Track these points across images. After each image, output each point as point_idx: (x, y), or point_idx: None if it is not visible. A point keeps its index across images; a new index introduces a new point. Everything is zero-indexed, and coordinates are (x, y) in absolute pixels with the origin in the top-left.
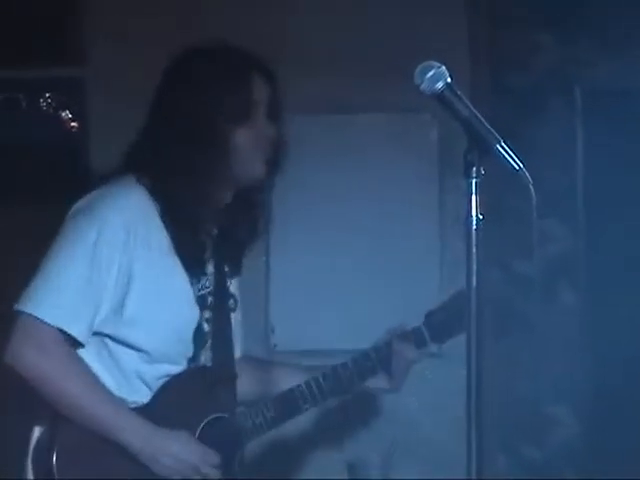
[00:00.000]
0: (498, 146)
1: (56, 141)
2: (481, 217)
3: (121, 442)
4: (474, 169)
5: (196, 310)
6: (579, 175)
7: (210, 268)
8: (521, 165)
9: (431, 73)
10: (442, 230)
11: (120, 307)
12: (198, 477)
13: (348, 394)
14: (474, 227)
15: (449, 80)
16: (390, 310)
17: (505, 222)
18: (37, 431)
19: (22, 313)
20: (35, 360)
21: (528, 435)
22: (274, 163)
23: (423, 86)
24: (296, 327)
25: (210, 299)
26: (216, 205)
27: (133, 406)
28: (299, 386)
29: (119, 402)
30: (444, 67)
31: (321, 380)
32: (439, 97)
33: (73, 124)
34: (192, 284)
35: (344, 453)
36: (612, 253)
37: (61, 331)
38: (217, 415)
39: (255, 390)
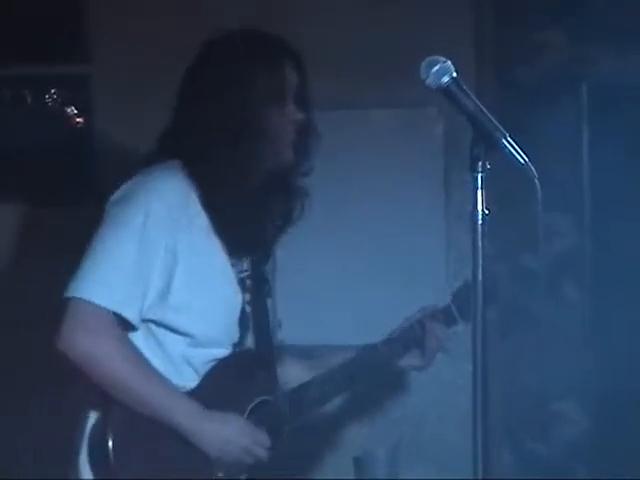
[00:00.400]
0: (504, 140)
1: (61, 137)
2: (487, 212)
3: (173, 425)
4: (480, 163)
5: (239, 292)
6: (585, 170)
7: (248, 255)
8: (527, 159)
9: (437, 67)
10: (448, 225)
11: (166, 292)
12: (249, 459)
13: (385, 371)
14: (480, 221)
15: (455, 74)
16: (396, 305)
17: (511, 217)
18: (92, 416)
19: (72, 299)
20: (87, 344)
21: (534, 431)
22: (304, 150)
23: (429, 81)
24: (303, 322)
25: (249, 282)
26: (250, 188)
27: (182, 391)
28: (340, 366)
29: (170, 385)
30: (450, 62)
31: (361, 358)
32: (445, 91)
33: (78, 120)
34: (233, 266)
35: (352, 448)
36: (618, 248)
37: (115, 314)
38: (262, 398)
39: (297, 374)
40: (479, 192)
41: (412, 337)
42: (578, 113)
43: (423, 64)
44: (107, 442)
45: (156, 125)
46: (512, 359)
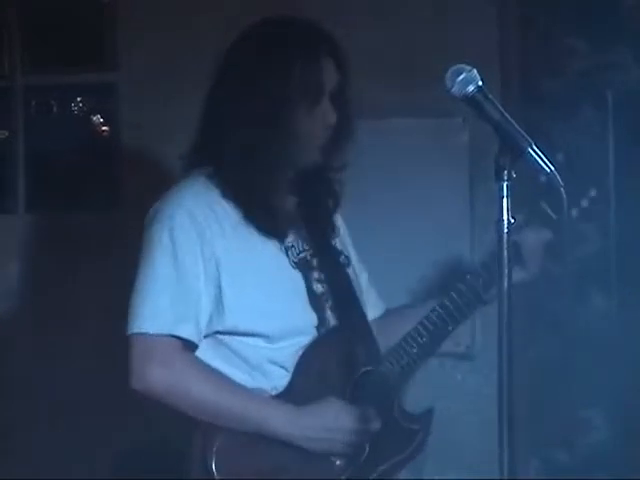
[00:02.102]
0: (530, 149)
1: (87, 145)
2: (512, 220)
3: (269, 433)
4: (505, 172)
5: (296, 274)
6: (610, 178)
7: (303, 234)
8: (552, 168)
9: (462, 76)
10: (473, 234)
11: (219, 298)
12: (358, 438)
13: (486, 301)
14: (505, 230)
15: (480, 83)
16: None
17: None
18: (195, 439)
19: (130, 337)
20: (159, 375)
21: (561, 439)
22: (337, 151)
23: (454, 90)
24: None
25: (314, 260)
26: (281, 180)
27: (274, 392)
28: (433, 311)
29: (254, 393)
30: (475, 70)
31: (455, 296)
32: (470, 100)
33: (104, 128)
34: (283, 250)
35: None
36: None
37: (172, 337)
38: (364, 370)
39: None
40: (504, 201)
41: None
42: (603, 121)
43: (448, 73)
44: (211, 463)
45: (182, 133)
46: (538, 367)
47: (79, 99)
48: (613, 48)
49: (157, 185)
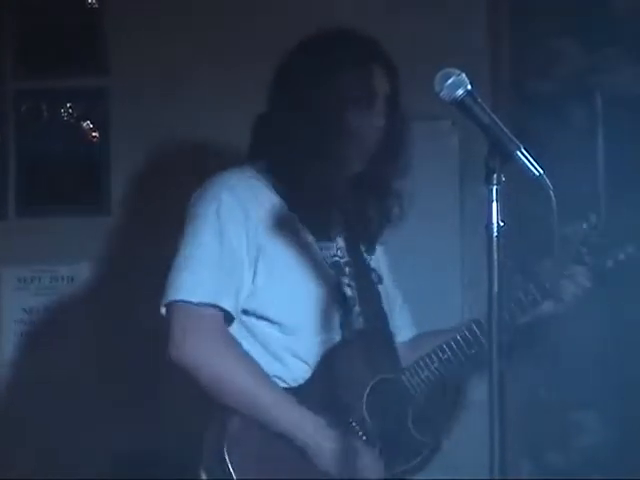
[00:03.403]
0: (518, 152)
1: (77, 150)
2: (502, 224)
3: (290, 436)
4: (495, 176)
5: (329, 273)
6: (600, 181)
7: (340, 242)
8: (541, 171)
9: (451, 80)
10: (463, 237)
11: (254, 279)
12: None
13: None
14: (495, 234)
15: (469, 87)
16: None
17: (526, 229)
18: (210, 429)
19: (170, 304)
20: (200, 348)
21: (553, 441)
22: (393, 157)
23: (443, 93)
24: None
25: (348, 269)
26: (332, 181)
27: (294, 384)
28: (461, 331)
29: (287, 396)
30: (464, 74)
31: (484, 322)
32: (459, 104)
33: (94, 134)
34: (322, 250)
35: None
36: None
37: (214, 307)
38: (382, 377)
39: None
40: (494, 204)
41: (538, 293)
42: (593, 124)
43: (437, 77)
44: (224, 454)
45: (173, 137)
46: (531, 369)
47: (69, 104)
48: (603, 50)
49: (147, 190)
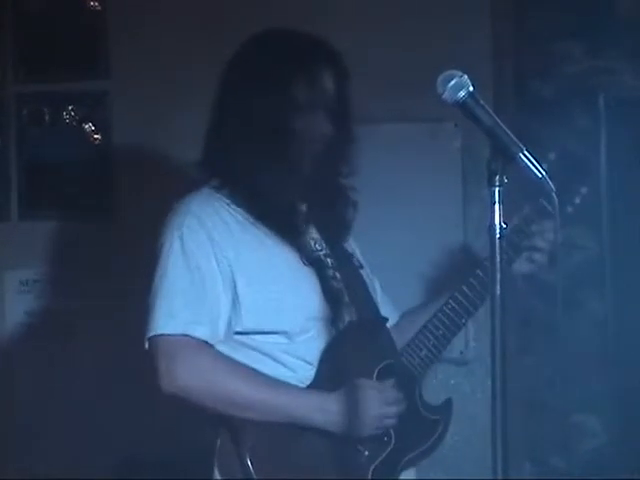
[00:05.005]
0: (521, 154)
1: (79, 153)
2: (504, 225)
3: (301, 421)
4: (497, 178)
5: (310, 271)
6: (603, 183)
7: (314, 233)
8: (544, 173)
9: (453, 82)
10: (466, 239)
11: (236, 299)
12: (394, 408)
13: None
14: (497, 236)
15: (471, 89)
16: None
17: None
18: (220, 440)
19: (149, 340)
20: (186, 373)
21: (555, 445)
22: (339, 155)
23: (445, 95)
24: None
25: (329, 260)
26: (289, 184)
27: (302, 386)
28: (447, 304)
29: (283, 382)
30: (466, 76)
31: (466, 289)
32: (461, 106)
33: (96, 137)
34: (295, 249)
35: None
36: (638, 261)
37: (188, 337)
38: (386, 362)
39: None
40: (496, 206)
41: (511, 251)
42: (596, 126)
43: (439, 79)
44: (245, 460)
45: (174, 141)
46: (533, 373)
47: (71, 107)
48: (606, 53)
49: (150, 193)
